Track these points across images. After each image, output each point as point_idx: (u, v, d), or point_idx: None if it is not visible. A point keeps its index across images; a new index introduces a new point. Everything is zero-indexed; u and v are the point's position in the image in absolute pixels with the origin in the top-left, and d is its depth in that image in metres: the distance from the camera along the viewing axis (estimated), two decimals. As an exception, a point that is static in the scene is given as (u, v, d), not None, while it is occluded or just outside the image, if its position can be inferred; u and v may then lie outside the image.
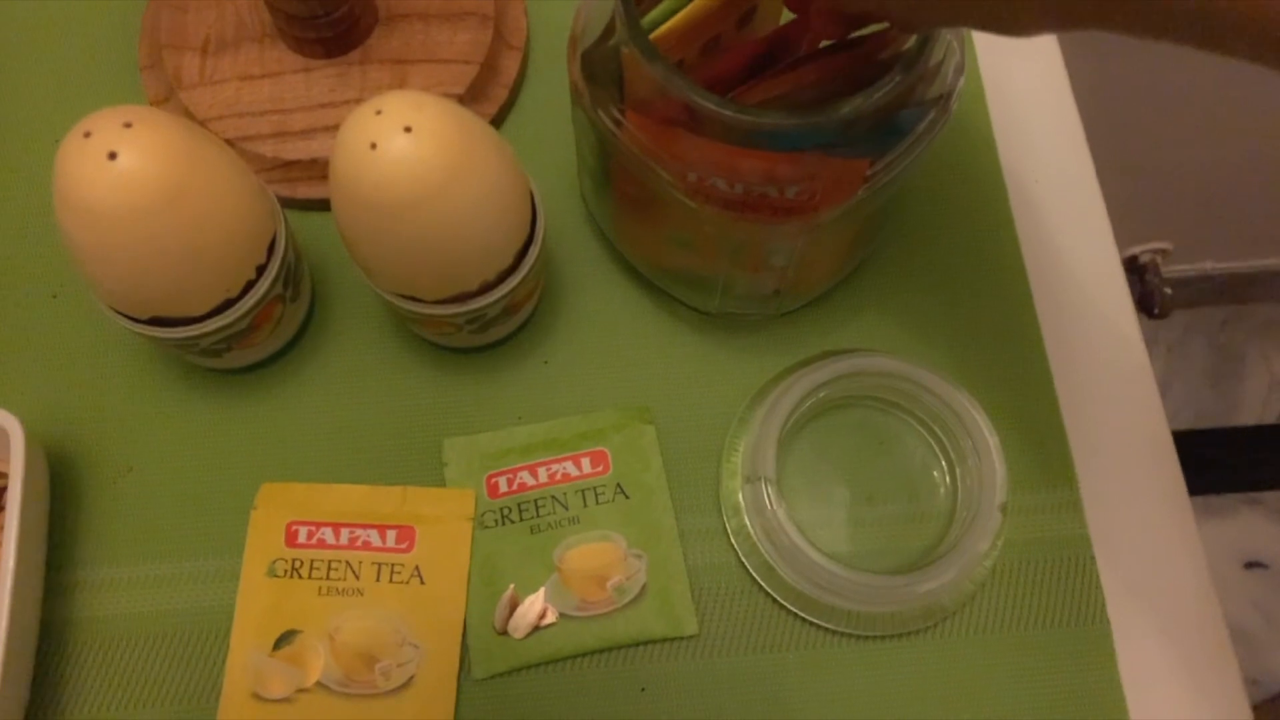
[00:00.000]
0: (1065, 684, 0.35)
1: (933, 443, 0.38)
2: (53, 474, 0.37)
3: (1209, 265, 1.17)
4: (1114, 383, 0.40)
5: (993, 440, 0.35)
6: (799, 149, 0.30)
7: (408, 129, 0.29)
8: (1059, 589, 0.36)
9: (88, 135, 0.29)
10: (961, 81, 0.32)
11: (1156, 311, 1.13)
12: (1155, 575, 0.37)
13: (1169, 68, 0.84)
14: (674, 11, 0.32)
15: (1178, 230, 1.10)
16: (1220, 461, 1.21)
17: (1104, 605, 0.36)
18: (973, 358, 0.40)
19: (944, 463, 0.37)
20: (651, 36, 0.31)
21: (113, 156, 0.29)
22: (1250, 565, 1.16)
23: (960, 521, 0.36)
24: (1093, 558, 0.37)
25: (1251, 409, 1.24)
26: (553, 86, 0.44)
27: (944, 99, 0.32)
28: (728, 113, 0.29)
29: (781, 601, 0.36)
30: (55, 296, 0.40)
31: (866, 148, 0.31)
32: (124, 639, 0.36)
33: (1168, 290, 1.13)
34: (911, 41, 0.30)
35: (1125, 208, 1.05)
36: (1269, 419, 1.24)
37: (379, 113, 0.29)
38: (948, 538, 0.36)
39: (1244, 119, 0.92)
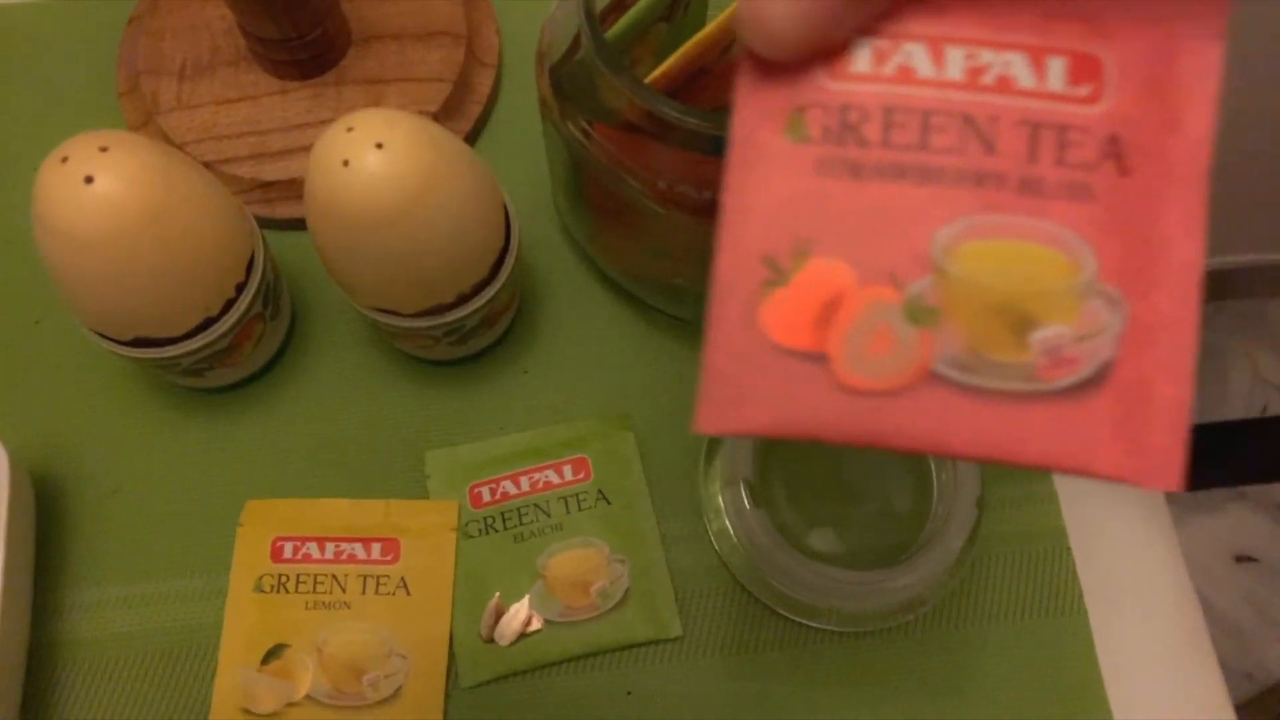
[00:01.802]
0: (1045, 673, 0.36)
1: (908, 440, 0.38)
2: (39, 497, 0.38)
3: (1188, 263, 1.18)
4: (1085, 376, 0.40)
5: (966, 435, 0.36)
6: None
7: (379, 145, 0.29)
8: (1036, 580, 0.37)
9: (64, 160, 0.30)
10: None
11: (1137, 310, 1.14)
12: (1131, 564, 0.38)
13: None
14: (635, 24, 0.33)
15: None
16: (1207, 457, 1.22)
17: (1081, 595, 0.37)
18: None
19: (918, 458, 0.38)
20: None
21: (89, 180, 0.29)
22: (1241, 559, 1.17)
23: (937, 517, 0.36)
24: (1069, 549, 0.37)
25: (1236, 405, 1.25)
26: (526, 102, 0.45)
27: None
28: (692, 121, 0.29)
29: (764, 601, 0.36)
30: (38, 323, 0.41)
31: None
32: (113, 659, 0.36)
33: (1148, 289, 1.14)
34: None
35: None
36: (1253, 413, 1.25)
37: (350, 130, 0.30)
38: (925, 533, 0.36)
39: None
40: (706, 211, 0.32)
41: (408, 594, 0.37)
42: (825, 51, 0.18)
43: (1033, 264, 0.17)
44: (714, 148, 0.30)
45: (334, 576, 0.37)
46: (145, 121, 0.42)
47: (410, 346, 0.38)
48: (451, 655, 0.36)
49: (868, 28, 0.18)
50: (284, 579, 0.37)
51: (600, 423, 0.39)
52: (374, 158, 0.29)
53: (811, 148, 0.18)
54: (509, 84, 0.45)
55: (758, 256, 0.18)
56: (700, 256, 0.36)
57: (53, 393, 0.40)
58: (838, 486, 0.38)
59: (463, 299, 0.34)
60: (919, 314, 0.17)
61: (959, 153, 0.18)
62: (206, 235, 0.32)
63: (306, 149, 0.41)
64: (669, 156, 0.31)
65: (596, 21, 0.30)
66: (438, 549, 0.37)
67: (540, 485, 0.38)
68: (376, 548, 0.37)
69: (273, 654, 0.36)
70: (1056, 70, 0.18)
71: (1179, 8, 0.17)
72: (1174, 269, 0.17)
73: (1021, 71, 0.18)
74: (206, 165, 0.41)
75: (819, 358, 0.18)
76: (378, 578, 0.37)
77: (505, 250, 0.35)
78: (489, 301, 0.35)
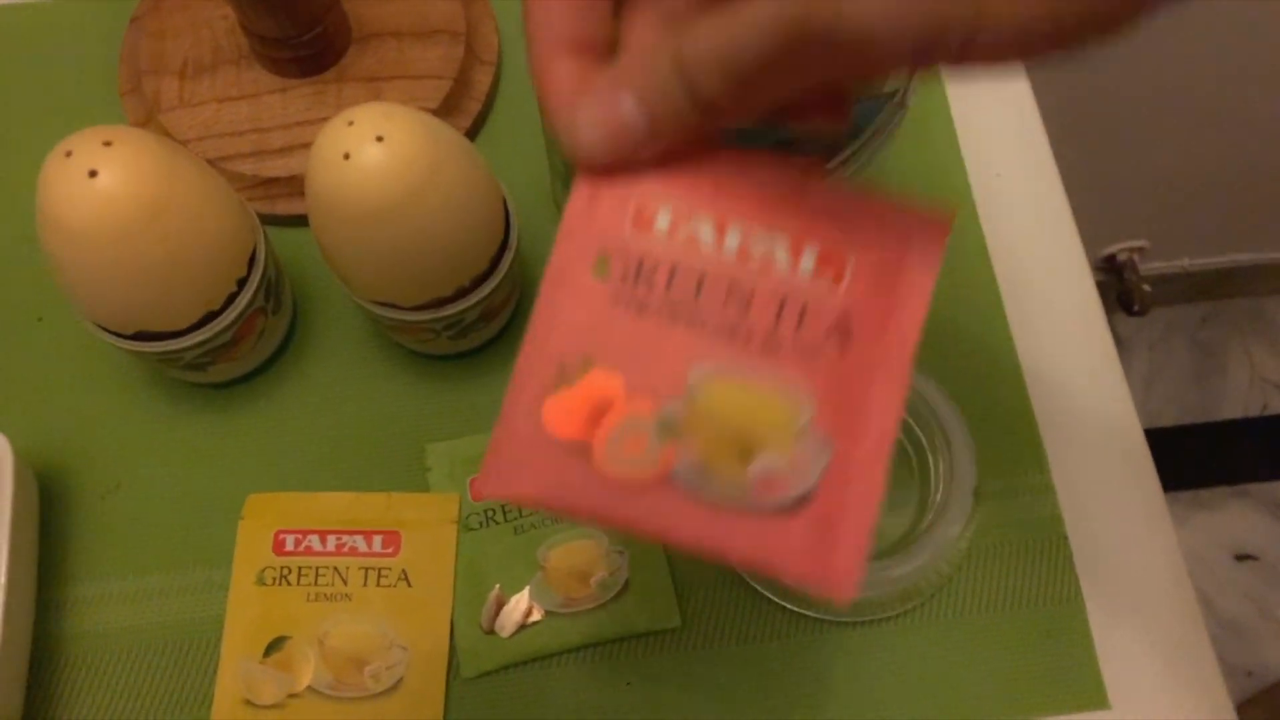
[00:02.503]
0: (1042, 661, 0.36)
1: (904, 431, 0.38)
2: (42, 492, 0.38)
3: (1186, 262, 1.19)
4: (1081, 369, 0.41)
5: (962, 427, 0.36)
6: (755, 146, 0.31)
7: (379, 138, 0.30)
8: (1033, 569, 0.37)
9: (69, 155, 0.30)
10: (916, 77, 0.33)
11: (1136, 309, 1.14)
12: (1128, 554, 0.38)
13: (1140, 67, 0.86)
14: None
15: (1153, 228, 1.11)
16: (1207, 456, 1.22)
17: (1078, 584, 0.37)
18: (940, 348, 0.40)
19: (916, 450, 0.38)
20: None
21: (93, 174, 0.30)
22: (1241, 558, 1.17)
23: (934, 507, 0.36)
24: (1065, 538, 0.38)
25: (1235, 403, 1.26)
26: (525, 100, 0.45)
27: (900, 93, 0.33)
28: (688, 113, 0.30)
29: (762, 591, 0.36)
30: (41, 319, 0.41)
31: (822, 144, 0.32)
32: (116, 652, 0.36)
33: (1146, 287, 1.14)
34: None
35: (1101, 206, 1.06)
36: (1253, 412, 1.25)
37: (351, 124, 0.30)
38: (922, 523, 0.36)
39: (1214, 116, 0.93)
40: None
41: (409, 586, 0.37)
42: (630, 185, 0.22)
43: (762, 405, 0.22)
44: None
45: (335, 569, 0.37)
46: (147, 120, 0.43)
47: (410, 340, 0.38)
48: (452, 647, 0.36)
49: (670, 187, 0.23)
50: (286, 571, 0.37)
51: (599, 416, 0.39)
52: (374, 151, 0.30)
53: (610, 285, 0.22)
54: (508, 81, 0.45)
55: (553, 360, 0.22)
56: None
57: (55, 388, 0.40)
58: (835, 478, 0.38)
59: (462, 292, 0.35)
60: (668, 429, 0.22)
61: (721, 310, 0.22)
62: (208, 229, 0.33)
63: (307, 146, 0.41)
64: (666, 149, 0.31)
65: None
66: (438, 541, 0.37)
67: (540, 478, 0.38)
68: (378, 540, 0.37)
69: (274, 646, 0.36)
70: (809, 258, 0.22)
71: (912, 229, 0.23)
72: (873, 428, 0.22)
73: (781, 255, 0.22)
74: (208, 163, 0.41)
75: (584, 449, 0.21)
76: (379, 570, 0.37)
77: (504, 244, 0.36)
78: (488, 295, 0.36)
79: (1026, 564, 0.37)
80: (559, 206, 0.42)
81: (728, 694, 0.36)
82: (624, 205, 0.22)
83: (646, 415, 0.22)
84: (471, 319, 0.36)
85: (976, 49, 0.18)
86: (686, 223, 0.23)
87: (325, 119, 0.41)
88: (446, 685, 0.36)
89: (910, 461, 0.38)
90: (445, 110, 0.43)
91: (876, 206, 0.23)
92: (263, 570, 0.37)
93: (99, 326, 0.34)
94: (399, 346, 0.40)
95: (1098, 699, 0.36)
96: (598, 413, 0.22)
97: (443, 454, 0.39)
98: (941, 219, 0.23)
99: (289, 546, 0.37)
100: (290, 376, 0.40)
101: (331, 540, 0.37)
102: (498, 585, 0.37)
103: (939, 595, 0.37)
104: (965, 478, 0.35)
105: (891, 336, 0.22)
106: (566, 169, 0.37)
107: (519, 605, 0.36)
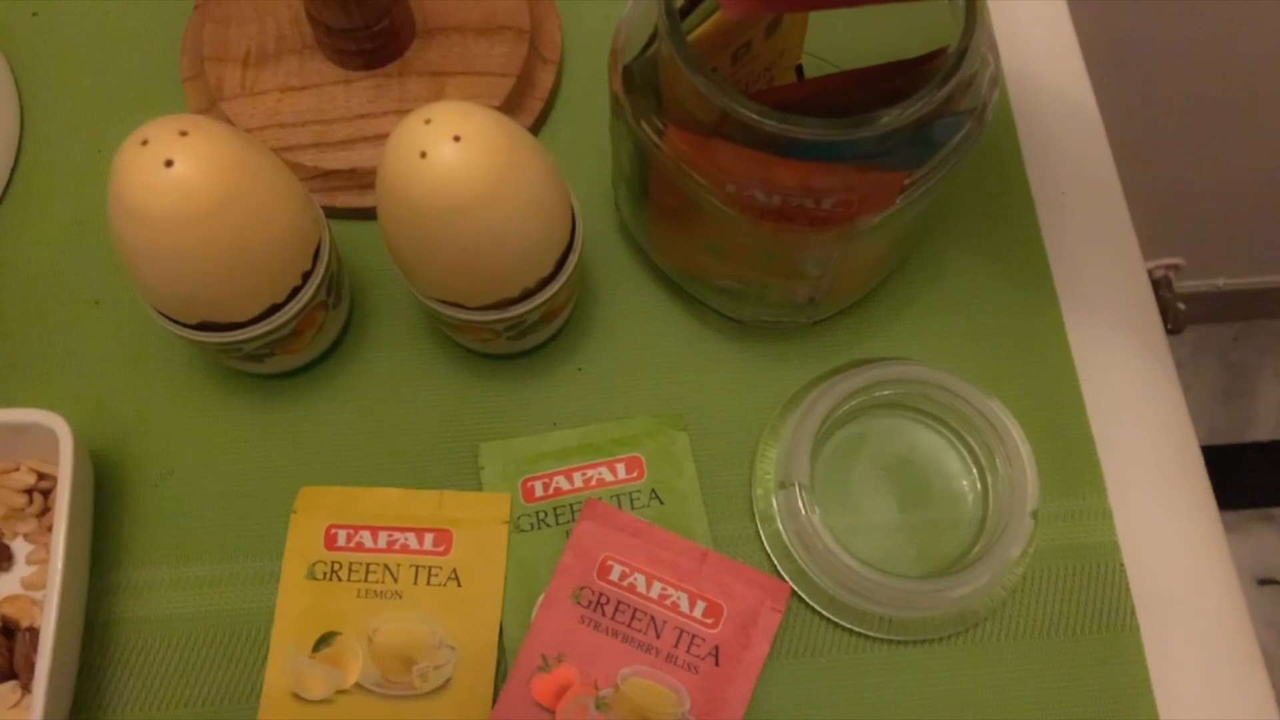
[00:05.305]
0: (1097, 689, 0.36)
1: (964, 450, 0.38)
2: (97, 476, 0.38)
3: (1221, 281, 1.17)
4: (1140, 392, 0.40)
5: (1024, 447, 0.35)
6: (837, 159, 0.31)
7: (457, 137, 0.30)
8: (1089, 595, 0.37)
9: (145, 143, 0.30)
10: (996, 93, 0.33)
11: (1170, 327, 1.13)
12: (1184, 581, 0.37)
13: (1184, 83, 0.85)
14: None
15: (1190, 246, 1.10)
16: (1233, 478, 1.21)
17: (1134, 611, 0.37)
18: (1001, 366, 0.40)
19: (975, 470, 0.38)
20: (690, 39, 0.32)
21: (169, 164, 0.30)
22: (1264, 582, 1.16)
23: (992, 528, 0.36)
24: (1122, 565, 0.37)
25: (1264, 425, 1.24)
26: (586, 100, 0.45)
27: (979, 110, 0.32)
28: (769, 123, 0.29)
29: (814, 606, 0.36)
30: (98, 303, 0.41)
31: (903, 159, 0.31)
32: (166, 639, 0.36)
33: (1181, 305, 1.13)
34: (953, 48, 0.30)
35: (1138, 223, 1.05)
36: (1281, 435, 1.24)
37: (428, 121, 0.30)
38: (980, 544, 0.36)
39: (1257, 135, 0.92)
40: (775, 216, 0.32)
41: (459, 585, 0.37)
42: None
43: (660, 697, 0.34)
44: (787, 148, 0.30)
45: (386, 566, 0.37)
46: (209, 107, 0.43)
47: (469, 340, 0.38)
48: (501, 648, 0.36)
49: (622, 555, 0.36)
50: (337, 566, 0.37)
51: (654, 422, 0.39)
52: (451, 150, 0.30)
53: (580, 608, 0.35)
54: (570, 81, 0.45)
55: (539, 653, 0.35)
56: (762, 258, 0.36)
57: (112, 373, 0.40)
58: (890, 493, 0.38)
59: (527, 294, 0.35)
60: (602, 705, 0.34)
61: (643, 633, 0.35)
62: (277, 222, 0.33)
63: (369, 139, 0.41)
64: (740, 160, 0.31)
65: (678, 19, 0.31)
66: (489, 541, 0.37)
67: (594, 482, 0.38)
68: (429, 538, 0.37)
69: (324, 641, 0.36)
70: (700, 607, 0.35)
71: (765, 590, 0.36)
72: (727, 717, 0.34)
73: (684, 602, 0.35)
74: (269, 152, 0.41)
75: (551, 712, 0.34)
76: (430, 568, 0.37)
77: (570, 246, 0.35)
78: (551, 297, 0.35)
79: (1082, 589, 0.37)
80: (620, 209, 0.42)
81: (776, 707, 0.35)
82: (594, 561, 0.36)
83: (590, 695, 0.34)
84: (533, 320, 0.36)
85: None
86: (630, 575, 0.36)
87: (388, 112, 0.41)
88: (495, 687, 0.36)
89: (971, 480, 0.38)
90: (507, 108, 0.42)
91: (745, 574, 0.36)
92: (313, 564, 0.37)
93: (163, 315, 0.34)
94: (454, 344, 0.40)
95: (1151, 729, 0.35)
96: (562, 690, 0.34)
97: (496, 453, 0.39)
98: (783, 584, 0.36)
99: (340, 542, 0.37)
100: (346, 370, 0.40)
101: (383, 537, 0.37)
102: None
103: (993, 617, 0.36)
104: (1026, 499, 0.35)
105: (745, 661, 0.35)
106: (632, 171, 0.37)
107: (569, 609, 0.36)
